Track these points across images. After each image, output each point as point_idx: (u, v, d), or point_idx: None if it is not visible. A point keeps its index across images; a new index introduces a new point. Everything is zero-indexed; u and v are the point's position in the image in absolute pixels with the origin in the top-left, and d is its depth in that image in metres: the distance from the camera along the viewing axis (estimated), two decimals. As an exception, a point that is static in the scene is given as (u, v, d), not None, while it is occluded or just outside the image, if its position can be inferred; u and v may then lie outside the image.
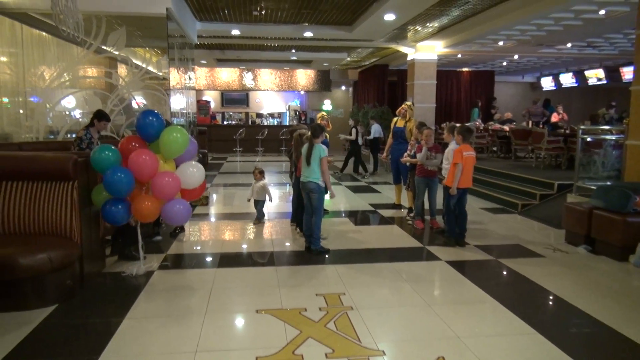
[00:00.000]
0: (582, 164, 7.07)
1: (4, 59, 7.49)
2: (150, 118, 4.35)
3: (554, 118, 12.60)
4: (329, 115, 7.68)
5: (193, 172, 4.55)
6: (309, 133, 5.44)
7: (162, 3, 7.29)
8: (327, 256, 5.32)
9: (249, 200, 6.86)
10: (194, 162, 4.62)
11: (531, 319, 3.67)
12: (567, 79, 18.05)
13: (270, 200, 6.86)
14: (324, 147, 5.31)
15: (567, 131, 10.73)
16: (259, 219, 6.82)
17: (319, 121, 7.30)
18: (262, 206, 6.82)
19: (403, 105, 7.70)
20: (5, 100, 7.51)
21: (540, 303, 4.18)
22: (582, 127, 7.48)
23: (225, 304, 3.96)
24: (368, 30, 10.63)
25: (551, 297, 4.22)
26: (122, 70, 8.40)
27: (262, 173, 6.80)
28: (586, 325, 3.66)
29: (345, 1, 8.88)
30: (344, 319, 3.65)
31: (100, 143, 5.33)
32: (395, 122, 7.72)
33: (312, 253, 5.37)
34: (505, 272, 4.92)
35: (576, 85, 17.80)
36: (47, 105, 7.58)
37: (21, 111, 7.72)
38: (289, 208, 7.23)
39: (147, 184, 4.31)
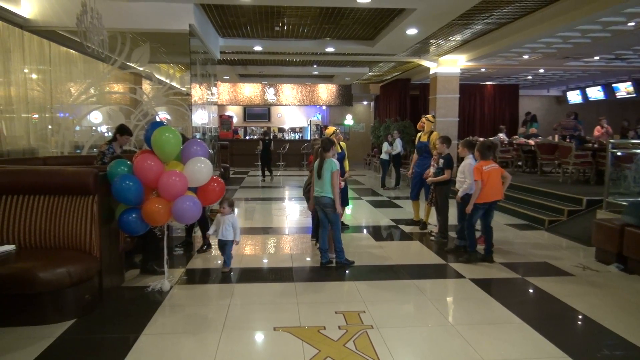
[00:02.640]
0: (612, 179, 6.83)
1: (33, 75, 7.68)
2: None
3: (597, 132, 12.16)
4: (341, 128, 7.50)
5: (200, 168, 4.38)
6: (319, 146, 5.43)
7: (185, 20, 7.39)
8: (347, 272, 5.22)
9: (209, 235, 5.67)
10: (202, 158, 4.43)
11: (560, 342, 3.50)
12: (595, 92, 17.68)
13: (237, 242, 5.30)
14: (335, 161, 5.28)
15: (596, 145, 10.44)
16: (228, 264, 5.25)
17: (333, 138, 7.16)
18: (231, 248, 5.28)
19: (422, 119, 7.58)
20: (35, 116, 7.68)
21: (569, 324, 4.00)
22: (611, 140, 7.25)
23: (243, 321, 3.89)
24: (390, 44, 10.60)
25: (581, 318, 4.04)
26: (146, 86, 8.55)
27: (232, 206, 5.30)
28: (619, 348, 3.47)
29: (366, 16, 8.88)
30: (364, 338, 3.54)
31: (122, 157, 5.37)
32: (419, 138, 7.60)
33: (336, 266, 5.35)
34: (532, 291, 4.73)
35: (604, 98, 17.40)
36: (73, 121, 7.73)
37: (49, 127, 7.88)
38: (309, 223, 7.17)
39: (156, 188, 4.28)
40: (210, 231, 5.45)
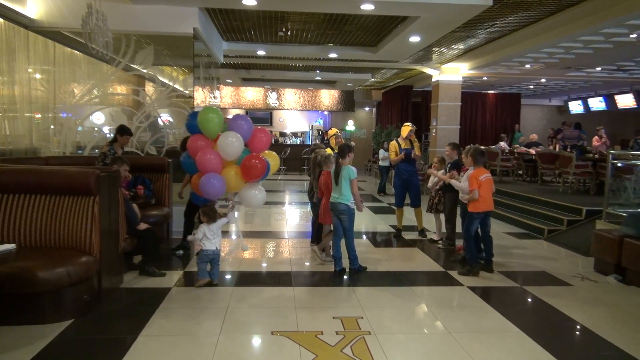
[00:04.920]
0: (612, 189, 6.84)
1: (37, 76, 7.71)
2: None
3: (596, 142, 12.17)
4: (339, 133, 7.32)
5: (232, 142, 4.70)
6: (324, 151, 5.42)
7: (190, 23, 7.43)
8: (345, 278, 5.23)
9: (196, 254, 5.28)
10: (234, 133, 4.74)
11: (558, 351, 3.50)
12: (596, 103, 17.73)
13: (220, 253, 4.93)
14: (353, 168, 5.28)
15: (597, 156, 10.45)
16: (214, 278, 4.89)
17: (332, 140, 7.09)
18: (218, 260, 4.94)
19: (409, 128, 7.23)
20: (38, 115, 7.70)
21: (567, 334, 4.00)
22: (612, 151, 7.27)
23: (240, 324, 3.90)
24: (393, 51, 10.65)
25: (579, 328, 4.04)
26: (149, 88, 8.57)
27: (213, 214, 4.88)
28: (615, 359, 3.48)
29: (370, 23, 8.92)
30: (361, 344, 3.55)
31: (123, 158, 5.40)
32: (400, 146, 7.24)
33: (350, 272, 5.35)
34: (530, 301, 4.74)
35: (606, 109, 17.44)
36: (76, 121, 7.75)
37: (52, 127, 7.90)
38: (309, 227, 7.18)
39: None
40: (195, 237, 4.91)
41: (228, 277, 5.25)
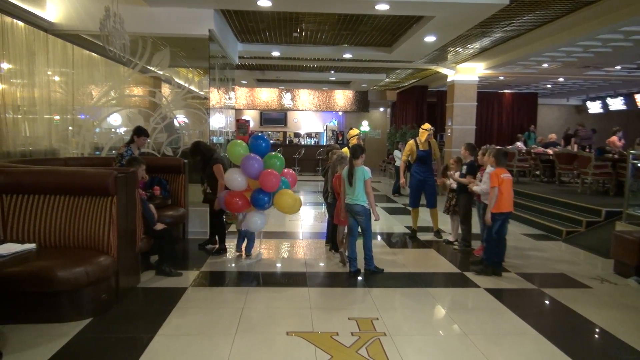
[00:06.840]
0: (632, 190, 6.72)
1: (56, 78, 7.83)
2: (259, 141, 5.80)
3: (619, 142, 12.02)
4: (362, 134, 7.27)
5: (235, 178, 5.59)
6: (341, 152, 5.40)
7: (205, 25, 7.48)
8: (360, 279, 5.21)
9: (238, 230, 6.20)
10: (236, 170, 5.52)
11: (576, 354, 3.45)
12: (616, 102, 17.45)
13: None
14: (367, 168, 5.26)
15: (616, 156, 10.27)
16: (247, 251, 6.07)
17: (354, 140, 7.02)
18: (252, 237, 6.09)
19: (427, 133, 7.15)
20: (57, 117, 7.83)
21: (586, 337, 3.94)
22: (632, 151, 7.13)
23: (256, 325, 3.91)
24: (408, 51, 10.59)
25: (598, 331, 3.97)
26: (165, 89, 8.64)
27: None
28: (638, 364, 3.41)
29: (385, 23, 8.89)
30: (377, 345, 3.54)
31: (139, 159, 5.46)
32: (418, 147, 7.22)
33: (366, 273, 5.32)
34: (548, 303, 4.67)
35: (625, 109, 17.15)
36: (94, 123, 7.86)
37: (70, 128, 8.02)
38: (323, 228, 7.18)
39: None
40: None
41: (243, 277, 5.27)
